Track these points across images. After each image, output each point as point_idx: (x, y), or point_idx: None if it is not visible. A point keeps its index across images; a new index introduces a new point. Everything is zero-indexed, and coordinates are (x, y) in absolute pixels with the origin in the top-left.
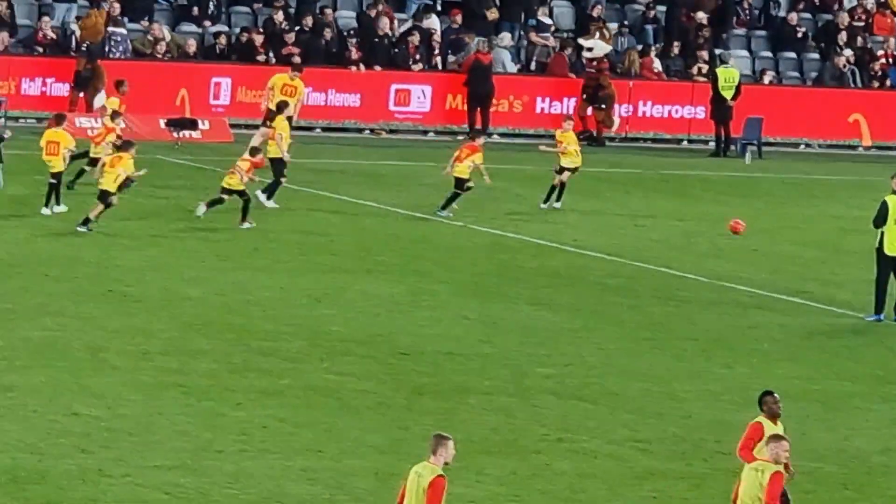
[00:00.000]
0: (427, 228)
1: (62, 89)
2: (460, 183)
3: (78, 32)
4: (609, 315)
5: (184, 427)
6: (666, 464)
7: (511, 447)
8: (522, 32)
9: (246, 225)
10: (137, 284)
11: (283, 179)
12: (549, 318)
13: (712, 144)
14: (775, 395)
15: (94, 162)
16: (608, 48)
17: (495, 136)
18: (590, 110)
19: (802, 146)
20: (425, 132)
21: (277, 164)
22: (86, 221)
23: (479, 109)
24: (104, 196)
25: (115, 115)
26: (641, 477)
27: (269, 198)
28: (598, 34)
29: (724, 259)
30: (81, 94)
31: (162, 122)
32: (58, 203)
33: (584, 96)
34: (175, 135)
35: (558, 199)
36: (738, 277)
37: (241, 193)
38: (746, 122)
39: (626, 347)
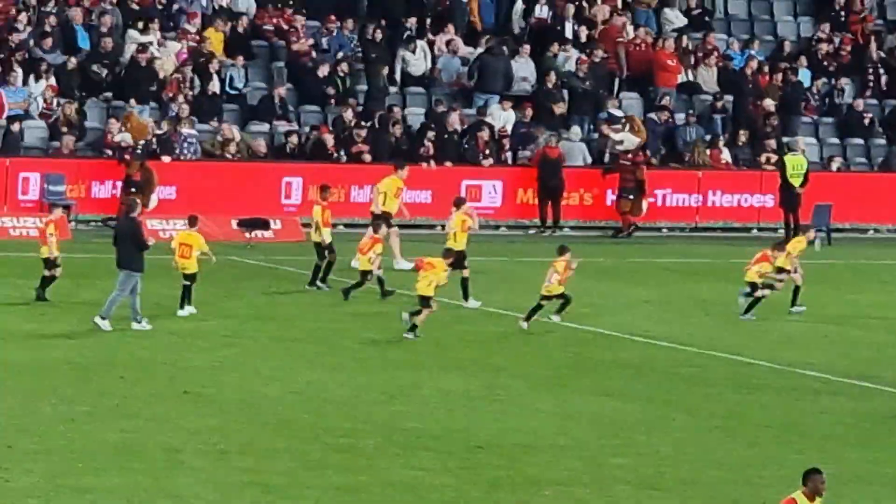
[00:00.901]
0: (500, 323)
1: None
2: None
3: (129, 137)
4: (682, 404)
5: None
6: None
7: None
8: (592, 126)
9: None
10: (213, 385)
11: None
12: (622, 409)
13: (782, 232)
14: (823, 474)
15: (364, 274)
16: (637, 140)
17: (566, 229)
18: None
19: (871, 231)
20: (497, 227)
21: (460, 258)
22: (413, 328)
23: (549, 203)
24: (424, 301)
25: (376, 220)
26: None
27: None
28: (627, 127)
29: (795, 346)
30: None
31: (234, 223)
32: (189, 303)
33: (622, 190)
34: (247, 235)
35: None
36: (809, 363)
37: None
38: (815, 208)
39: (699, 436)
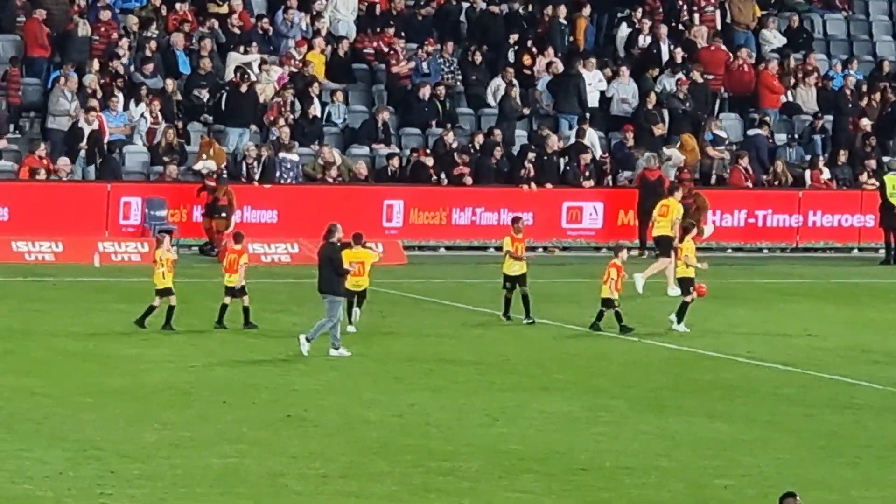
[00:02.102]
0: (602, 345)
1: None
2: None
3: (212, 164)
4: (784, 425)
5: None
6: None
7: None
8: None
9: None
10: (315, 408)
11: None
12: (724, 430)
13: (882, 252)
14: (797, 497)
15: (607, 303)
16: (682, 157)
17: None
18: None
19: None
20: (598, 248)
21: (686, 284)
22: None
23: (650, 225)
24: None
25: (618, 248)
26: None
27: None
28: (678, 143)
29: None
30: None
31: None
32: (350, 323)
33: None
34: None
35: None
36: None
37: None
38: None
39: (801, 457)
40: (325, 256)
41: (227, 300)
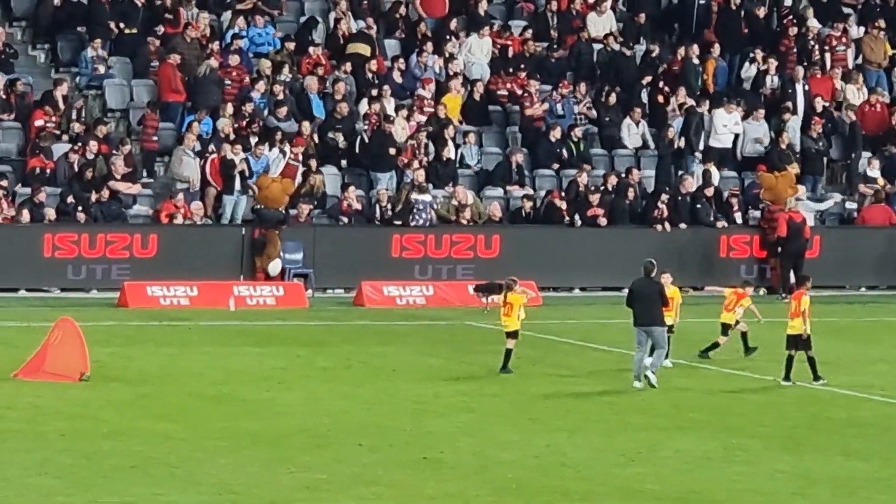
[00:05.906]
0: (737, 383)
1: (367, 258)
2: None
3: (254, 194)
4: None
5: None
6: None
7: None
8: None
9: None
10: (451, 450)
11: None
12: (860, 468)
13: None
14: None
15: (726, 330)
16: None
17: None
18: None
19: None
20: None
21: None
22: None
23: (792, 268)
24: None
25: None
26: None
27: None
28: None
29: None
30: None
31: (470, 289)
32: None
33: (763, 246)
34: (484, 300)
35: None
36: None
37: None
38: None
39: None
40: (651, 291)
41: (510, 343)
